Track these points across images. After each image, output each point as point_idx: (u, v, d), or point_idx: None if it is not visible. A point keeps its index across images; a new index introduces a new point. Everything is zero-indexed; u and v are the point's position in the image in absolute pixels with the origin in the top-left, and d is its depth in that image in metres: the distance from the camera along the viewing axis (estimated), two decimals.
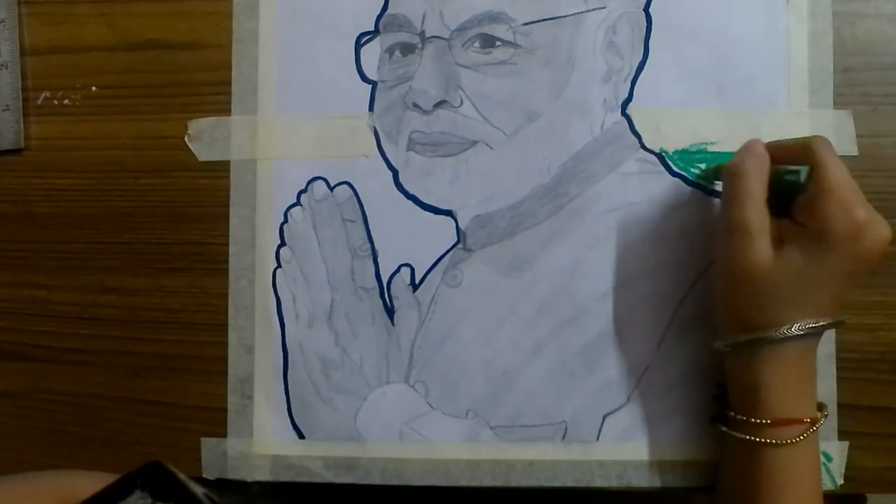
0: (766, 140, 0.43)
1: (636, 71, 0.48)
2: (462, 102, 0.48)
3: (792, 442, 0.41)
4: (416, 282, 0.49)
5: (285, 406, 0.49)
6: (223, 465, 0.49)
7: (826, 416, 0.42)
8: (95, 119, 0.51)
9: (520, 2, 0.48)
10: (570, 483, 0.48)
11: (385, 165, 0.49)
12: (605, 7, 0.48)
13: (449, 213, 0.49)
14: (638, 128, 0.48)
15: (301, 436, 0.49)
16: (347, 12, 0.49)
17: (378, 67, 0.49)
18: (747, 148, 0.43)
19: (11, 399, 0.51)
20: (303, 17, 0.50)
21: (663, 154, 0.48)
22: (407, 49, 0.49)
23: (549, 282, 0.48)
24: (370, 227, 0.49)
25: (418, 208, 0.49)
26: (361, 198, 0.49)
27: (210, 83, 0.50)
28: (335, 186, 0.49)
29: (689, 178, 0.48)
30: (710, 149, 0.48)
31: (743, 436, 0.42)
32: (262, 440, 0.49)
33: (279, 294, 0.49)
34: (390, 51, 0.49)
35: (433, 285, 0.49)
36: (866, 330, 0.48)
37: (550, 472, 0.48)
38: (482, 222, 0.49)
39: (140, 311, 0.50)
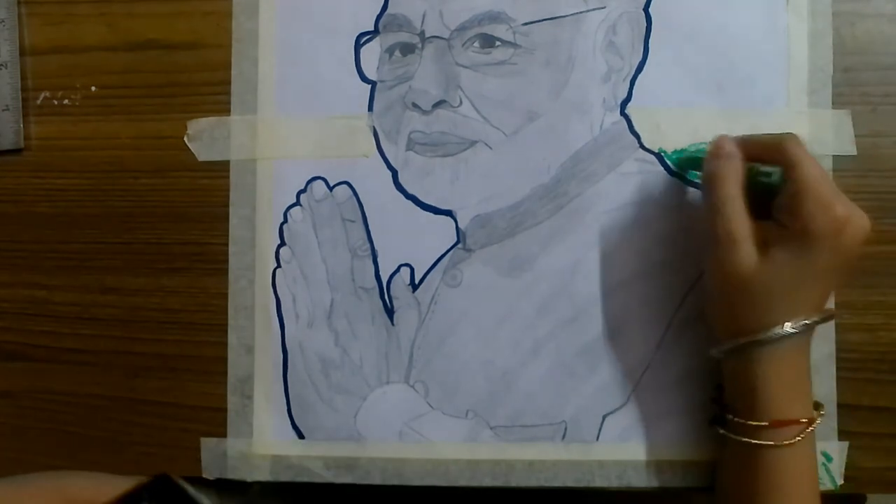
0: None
1: (636, 71, 0.48)
2: (462, 102, 0.48)
3: (790, 443, 0.41)
4: (416, 282, 0.49)
5: (285, 406, 0.49)
6: (223, 465, 0.49)
7: (823, 415, 0.42)
8: (95, 119, 0.51)
9: (520, 2, 0.48)
10: (569, 483, 0.48)
11: (385, 165, 0.49)
12: (604, 7, 0.48)
13: (449, 213, 0.49)
14: (637, 128, 0.48)
15: (301, 436, 0.49)
16: (347, 12, 0.49)
17: (378, 67, 0.49)
18: (717, 149, 0.43)
19: (11, 399, 0.51)
20: (303, 17, 0.50)
21: (662, 154, 0.48)
22: (407, 49, 0.49)
23: (549, 282, 0.48)
24: (370, 226, 0.49)
25: (418, 208, 0.49)
26: (361, 198, 0.49)
27: (210, 83, 0.50)
28: (335, 186, 0.49)
29: (689, 177, 0.48)
30: None
31: (741, 438, 0.42)
32: (262, 440, 0.49)
33: (279, 294, 0.49)
34: (390, 51, 0.49)
35: (433, 285, 0.49)
36: (866, 330, 0.47)
37: (550, 472, 0.48)
38: (482, 222, 0.48)
39: (140, 311, 0.50)
